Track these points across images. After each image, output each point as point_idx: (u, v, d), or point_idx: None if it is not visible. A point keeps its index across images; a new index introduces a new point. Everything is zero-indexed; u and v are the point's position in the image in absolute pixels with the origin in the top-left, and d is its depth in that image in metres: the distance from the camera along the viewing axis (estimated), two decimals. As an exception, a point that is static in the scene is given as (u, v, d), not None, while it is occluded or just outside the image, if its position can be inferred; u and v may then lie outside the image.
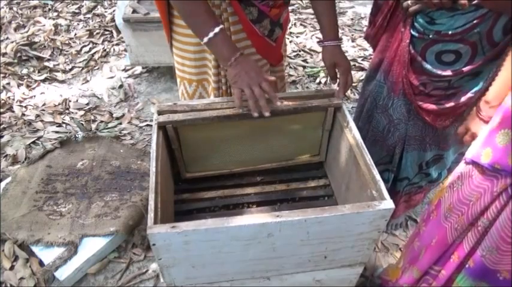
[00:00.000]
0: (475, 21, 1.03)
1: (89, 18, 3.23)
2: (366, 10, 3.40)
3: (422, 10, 1.09)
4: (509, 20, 1.01)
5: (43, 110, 2.36)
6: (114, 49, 2.91)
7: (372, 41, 1.36)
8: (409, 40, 1.16)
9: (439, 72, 1.15)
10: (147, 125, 2.27)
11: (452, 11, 1.04)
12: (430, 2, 1.03)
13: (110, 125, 2.26)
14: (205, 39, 1.07)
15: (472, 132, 1.07)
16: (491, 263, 0.93)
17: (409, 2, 1.09)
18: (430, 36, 1.11)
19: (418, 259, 1.11)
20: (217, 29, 1.05)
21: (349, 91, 2.49)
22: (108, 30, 3.09)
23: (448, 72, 1.14)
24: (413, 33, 1.14)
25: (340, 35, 3.06)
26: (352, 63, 2.68)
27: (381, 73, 1.32)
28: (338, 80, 1.24)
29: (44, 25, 3.10)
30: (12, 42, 2.84)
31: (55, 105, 2.39)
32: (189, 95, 1.40)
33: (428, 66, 1.16)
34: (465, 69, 1.11)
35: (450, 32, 1.07)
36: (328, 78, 2.58)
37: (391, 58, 1.25)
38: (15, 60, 2.71)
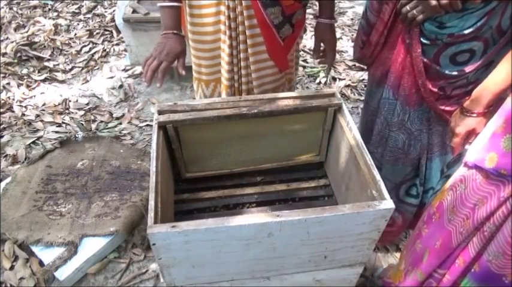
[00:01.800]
0: (485, 17, 1.01)
1: (89, 18, 3.23)
2: (366, 10, 3.40)
3: (429, 17, 1.06)
4: None
5: (43, 110, 2.36)
6: (114, 49, 2.91)
7: (369, 60, 1.33)
8: (420, 50, 1.11)
9: (456, 73, 1.12)
10: (147, 125, 2.27)
11: (461, 11, 1.02)
12: (437, 8, 1.00)
13: (110, 125, 2.26)
14: (160, 3, 1.20)
15: (457, 133, 1.05)
16: (497, 268, 0.92)
17: (414, 11, 1.05)
18: (444, 40, 1.07)
19: (422, 261, 1.10)
20: (174, 3, 1.20)
21: (349, 91, 2.49)
22: (108, 30, 3.09)
23: (468, 69, 1.10)
24: (423, 41, 1.10)
25: (339, 34, 3.02)
26: (351, 63, 2.69)
27: (388, 89, 1.27)
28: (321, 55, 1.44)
29: (44, 25, 3.10)
30: (12, 42, 2.84)
31: (55, 105, 2.39)
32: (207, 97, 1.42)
33: (444, 71, 1.12)
34: (480, 62, 1.09)
35: (465, 32, 1.04)
36: (328, 78, 2.58)
37: (398, 72, 1.21)
38: (15, 60, 2.70)
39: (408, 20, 1.08)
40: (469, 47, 1.08)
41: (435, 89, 1.17)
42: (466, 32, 1.04)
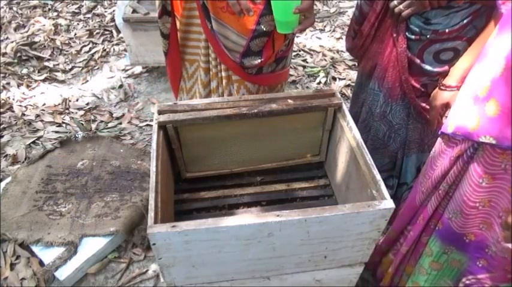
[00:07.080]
0: (470, 17, 1.05)
1: (89, 18, 3.22)
2: (366, 10, 3.39)
3: (416, 12, 1.09)
4: None
5: (43, 110, 2.36)
6: (114, 49, 2.90)
7: (359, 51, 1.35)
8: (405, 45, 1.15)
9: (439, 70, 1.15)
10: (147, 125, 2.27)
11: (447, 9, 1.05)
12: (425, 3, 1.03)
13: (110, 125, 2.26)
14: None
15: (433, 105, 1.15)
16: (457, 226, 0.98)
17: (400, 6, 1.09)
18: (428, 36, 1.10)
19: (394, 220, 1.19)
20: None
21: (349, 91, 2.49)
22: (108, 30, 3.09)
23: (446, 68, 1.15)
24: (409, 36, 1.14)
25: (339, 34, 3.01)
26: (351, 63, 2.69)
27: (375, 81, 1.31)
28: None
29: (44, 25, 3.10)
30: (12, 42, 2.84)
31: (55, 105, 2.39)
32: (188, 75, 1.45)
33: (427, 67, 1.16)
34: None
35: (447, 30, 1.07)
36: (328, 78, 2.58)
37: (384, 65, 1.24)
38: (15, 60, 2.70)
39: (395, 14, 1.11)
40: (453, 45, 1.11)
41: (417, 85, 1.21)
42: (450, 29, 1.08)
